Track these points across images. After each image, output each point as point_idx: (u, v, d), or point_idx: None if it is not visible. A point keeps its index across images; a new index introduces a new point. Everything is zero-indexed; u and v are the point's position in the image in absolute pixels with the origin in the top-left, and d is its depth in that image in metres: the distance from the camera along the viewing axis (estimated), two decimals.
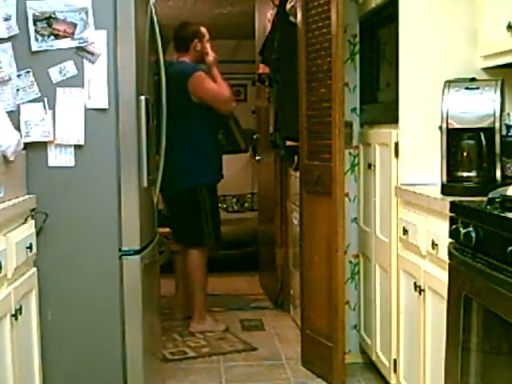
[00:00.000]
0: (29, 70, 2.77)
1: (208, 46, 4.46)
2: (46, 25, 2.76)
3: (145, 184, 2.96)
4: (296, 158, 4.25)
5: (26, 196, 2.73)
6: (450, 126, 2.77)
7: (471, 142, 2.74)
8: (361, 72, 3.76)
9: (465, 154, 2.75)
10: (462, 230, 2.24)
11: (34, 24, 2.76)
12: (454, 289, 2.36)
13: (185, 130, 4.30)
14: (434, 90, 2.96)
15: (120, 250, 2.86)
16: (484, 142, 2.68)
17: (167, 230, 4.53)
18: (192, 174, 4.39)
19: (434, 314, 2.67)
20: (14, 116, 2.75)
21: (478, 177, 2.72)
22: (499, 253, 1.99)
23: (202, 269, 4.44)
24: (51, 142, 2.79)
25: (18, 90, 2.77)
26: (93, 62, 2.78)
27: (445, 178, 2.79)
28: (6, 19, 2.74)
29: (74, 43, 2.77)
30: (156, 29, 3.16)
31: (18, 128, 2.74)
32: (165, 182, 4.04)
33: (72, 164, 2.81)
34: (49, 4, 2.76)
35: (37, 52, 2.77)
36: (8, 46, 2.76)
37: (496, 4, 2.83)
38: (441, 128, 2.80)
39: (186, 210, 4.44)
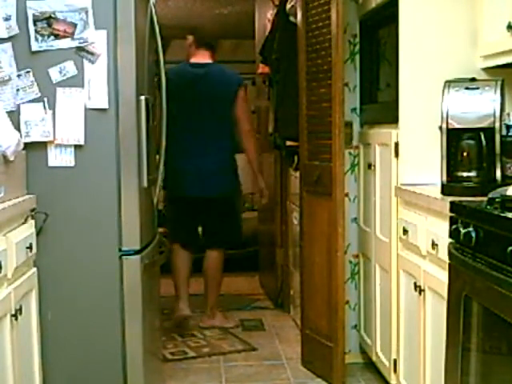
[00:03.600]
0: (29, 70, 2.77)
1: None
2: (46, 25, 2.76)
3: (145, 184, 2.96)
4: (296, 157, 4.26)
5: (26, 196, 2.73)
6: (450, 126, 2.77)
7: (471, 141, 2.74)
8: (361, 72, 3.76)
9: (465, 153, 2.75)
10: (462, 230, 2.24)
11: (34, 24, 2.76)
12: (454, 289, 2.36)
13: (219, 135, 4.40)
14: (434, 90, 2.96)
15: (120, 250, 2.86)
16: (484, 142, 2.68)
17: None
18: (236, 175, 4.52)
19: (434, 314, 2.67)
20: (14, 116, 2.75)
21: (478, 177, 2.72)
22: (499, 253, 1.99)
23: (222, 268, 4.59)
24: (51, 141, 2.79)
25: (18, 90, 2.77)
26: (93, 62, 2.78)
27: (445, 178, 2.79)
28: (6, 19, 2.74)
29: (74, 43, 2.77)
30: (156, 29, 3.16)
31: (18, 128, 2.74)
32: (202, 185, 4.28)
33: (72, 164, 2.81)
34: (49, 4, 2.76)
35: (37, 52, 2.77)
36: (8, 46, 2.76)
37: (496, 4, 2.83)
38: (441, 128, 2.80)
39: (229, 212, 4.55)
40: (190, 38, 4.47)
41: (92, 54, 2.78)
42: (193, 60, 4.46)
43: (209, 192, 4.37)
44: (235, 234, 4.63)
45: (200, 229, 4.62)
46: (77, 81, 2.78)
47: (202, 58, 4.44)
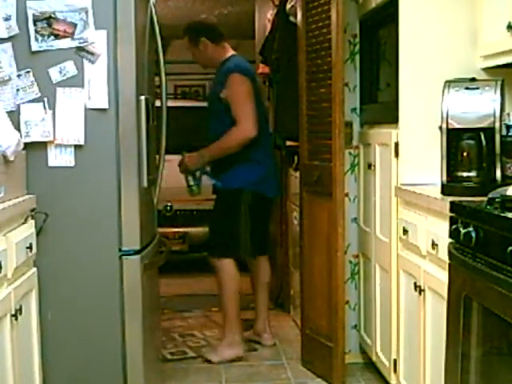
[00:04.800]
0: (29, 70, 2.77)
1: None
2: (46, 25, 2.76)
3: (145, 184, 2.95)
4: (296, 158, 4.25)
5: (26, 196, 2.73)
6: (450, 126, 2.77)
7: (471, 141, 2.74)
8: (361, 72, 3.76)
9: (465, 154, 2.75)
10: (462, 230, 2.24)
11: (34, 24, 2.76)
12: (453, 289, 2.36)
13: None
14: (434, 90, 2.96)
15: (120, 250, 2.86)
16: (484, 142, 2.68)
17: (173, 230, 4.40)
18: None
19: (434, 314, 2.67)
20: (14, 116, 2.75)
21: (478, 177, 2.72)
22: (499, 253, 2.00)
23: None
24: (51, 142, 2.79)
25: (18, 90, 2.77)
26: (93, 62, 2.78)
27: (445, 178, 2.79)
28: (6, 19, 2.74)
29: (74, 43, 2.77)
30: (156, 29, 3.16)
31: (18, 128, 2.74)
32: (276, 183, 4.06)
33: (72, 164, 2.81)
34: (49, 4, 2.76)
35: (37, 52, 2.77)
36: (8, 46, 2.76)
37: (496, 4, 2.83)
38: (441, 128, 2.80)
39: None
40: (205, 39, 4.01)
41: (92, 54, 2.78)
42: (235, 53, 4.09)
43: (278, 191, 4.18)
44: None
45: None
46: (77, 81, 2.78)
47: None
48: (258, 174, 3.94)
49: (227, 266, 3.90)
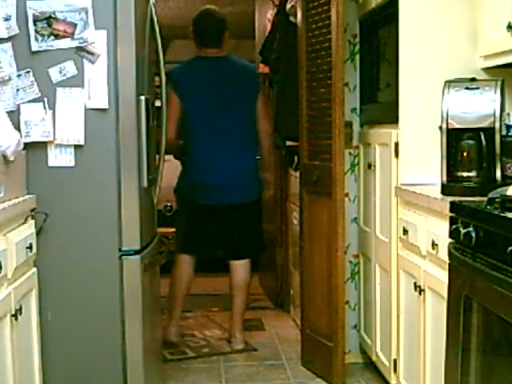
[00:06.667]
0: (29, 70, 2.77)
1: None
2: (46, 25, 2.76)
3: (145, 184, 2.96)
4: (296, 158, 4.25)
5: (26, 196, 2.73)
6: (450, 126, 2.77)
7: (471, 142, 2.73)
8: (361, 72, 3.76)
9: (465, 154, 2.75)
10: (462, 230, 2.24)
11: (34, 24, 2.76)
12: (453, 289, 2.36)
13: (249, 131, 4.12)
14: (434, 90, 2.96)
15: (120, 250, 2.86)
16: (484, 142, 2.68)
17: (170, 230, 4.47)
18: (259, 180, 4.18)
19: (434, 314, 2.67)
20: (14, 116, 2.75)
21: (478, 177, 2.72)
22: (499, 253, 2.00)
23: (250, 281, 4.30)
24: (51, 142, 2.79)
25: (17, 90, 2.77)
26: (93, 62, 2.78)
27: (445, 178, 2.79)
28: (6, 19, 2.74)
29: (74, 43, 2.77)
30: (156, 29, 3.16)
31: (18, 128, 2.74)
32: (229, 191, 4.02)
33: (72, 164, 2.81)
34: (49, 4, 2.76)
35: (37, 52, 2.77)
36: (8, 46, 2.75)
37: (496, 4, 2.83)
38: (441, 128, 2.80)
39: (255, 219, 4.21)
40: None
41: (92, 54, 2.78)
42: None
43: (237, 198, 4.04)
44: (260, 242, 4.31)
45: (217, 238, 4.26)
46: (77, 81, 2.78)
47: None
48: (184, 181, 4.12)
49: (178, 261, 4.18)
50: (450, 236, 2.37)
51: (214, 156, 4.00)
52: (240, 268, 4.20)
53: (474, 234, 2.17)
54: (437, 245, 2.59)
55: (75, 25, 2.76)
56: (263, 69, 4.83)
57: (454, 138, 2.77)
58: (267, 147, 4.26)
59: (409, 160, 3.14)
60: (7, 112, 2.72)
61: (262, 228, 4.33)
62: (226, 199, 4.04)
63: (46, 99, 2.78)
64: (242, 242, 4.20)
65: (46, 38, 2.76)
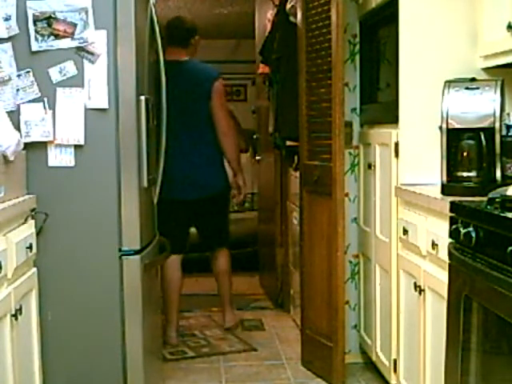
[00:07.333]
0: (29, 70, 2.77)
1: None
2: (46, 25, 2.76)
3: (145, 184, 2.96)
4: (296, 158, 4.25)
5: (26, 196, 2.73)
6: (450, 126, 2.77)
7: (471, 142, 2.73)
8: (361, 72, 3.76)
9: (465, 154, 2.75)
10: (462, 230, 2.24)
11: (34, 24, 2.76)
12: (453, 289, 2.36)
13: (203, 131, 4.27)
14: (434, 90, 2.96)
15: (120, 250, 2.86)
16: (484, 142, 2.68)
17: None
18: (224, 173, 4.38)
19: (434, 314, 2.67)
20: (14, 116, 2.75)
21: (478, 177, 2.72)
22: (499, 253, 1.99)
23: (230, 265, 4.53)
24: (51, 142, 2.79)
25: (17, 90, 2.77)
26: (93, 62, 2.78)
27: (445, 178, 2.79)
28: (6, 19, 2.74)
29: (74, 43, 2.77)
30: (156, 29, 3.16)
31: (18, 128, 2.74)
32: (192, 186, 4.12)
33: (72, 164, 2.81)
34: (49, 4, 2.76)
35: (37, 52, 2.77)
36: (8, 46, 2.76)
37: (496, 4, 2.83)
38: (441, 128, 2.80)
39: (221, 211, 4.46)
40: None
41: (92, 53, 2.78)
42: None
43: (201, 192, 4.23)
44: (226, 232, 4.53)
45: (192, 231, 4.43)
46: (77, 81, 2.78)
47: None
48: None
49: (168, 261, 4.09)
50: (450, 236, 2.37)
51: (175, 153, 4.03)
52: (219, 255, 4.45)
53: (474, 234, 2.17)
54: (437, 245, 2.59)
55: (75, 25, 2.76)
56: (263, 69, 4.82)
57: (454, 138, 2.77)
58: (230, 147, 4.33)
59: (409, 160, 3.14)
60: (7, 112, 2.72)
61: (228, 220, 4.57)
62: (190, 194, 4.20)
63: (45, 99, 2.78)
64: (215, 234, 4.45)
65: (46, 37, 2.77)
